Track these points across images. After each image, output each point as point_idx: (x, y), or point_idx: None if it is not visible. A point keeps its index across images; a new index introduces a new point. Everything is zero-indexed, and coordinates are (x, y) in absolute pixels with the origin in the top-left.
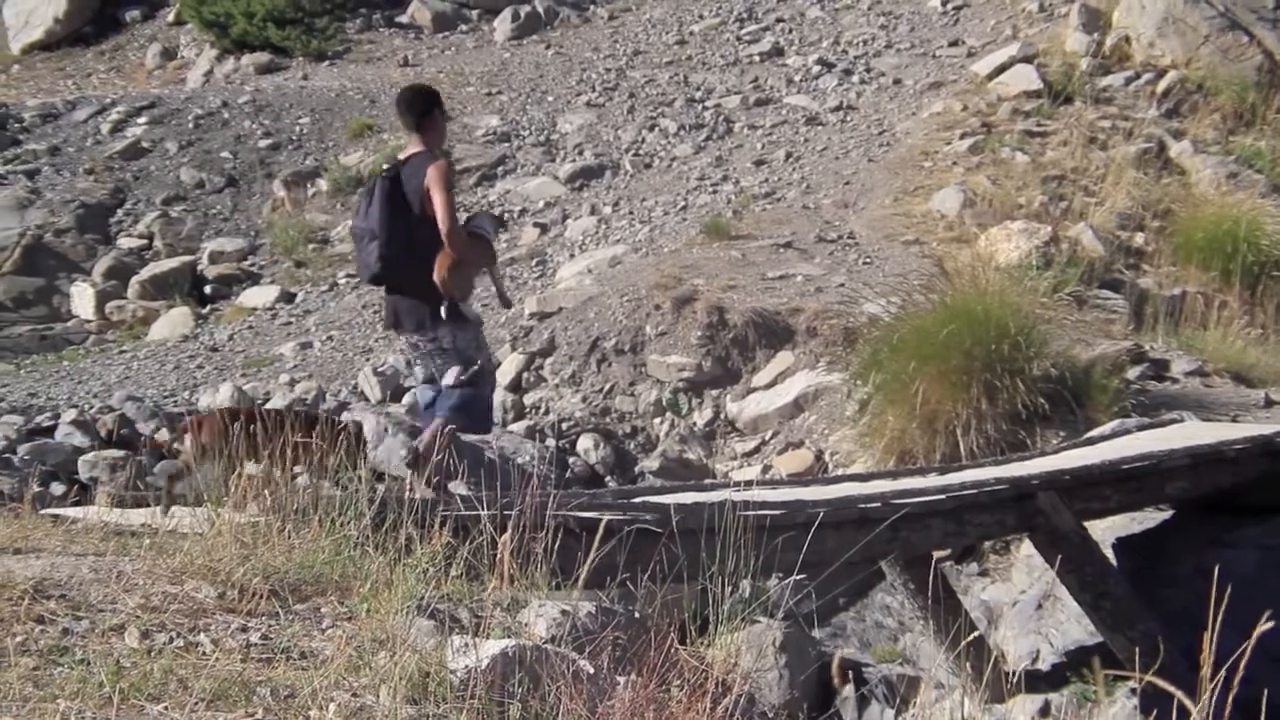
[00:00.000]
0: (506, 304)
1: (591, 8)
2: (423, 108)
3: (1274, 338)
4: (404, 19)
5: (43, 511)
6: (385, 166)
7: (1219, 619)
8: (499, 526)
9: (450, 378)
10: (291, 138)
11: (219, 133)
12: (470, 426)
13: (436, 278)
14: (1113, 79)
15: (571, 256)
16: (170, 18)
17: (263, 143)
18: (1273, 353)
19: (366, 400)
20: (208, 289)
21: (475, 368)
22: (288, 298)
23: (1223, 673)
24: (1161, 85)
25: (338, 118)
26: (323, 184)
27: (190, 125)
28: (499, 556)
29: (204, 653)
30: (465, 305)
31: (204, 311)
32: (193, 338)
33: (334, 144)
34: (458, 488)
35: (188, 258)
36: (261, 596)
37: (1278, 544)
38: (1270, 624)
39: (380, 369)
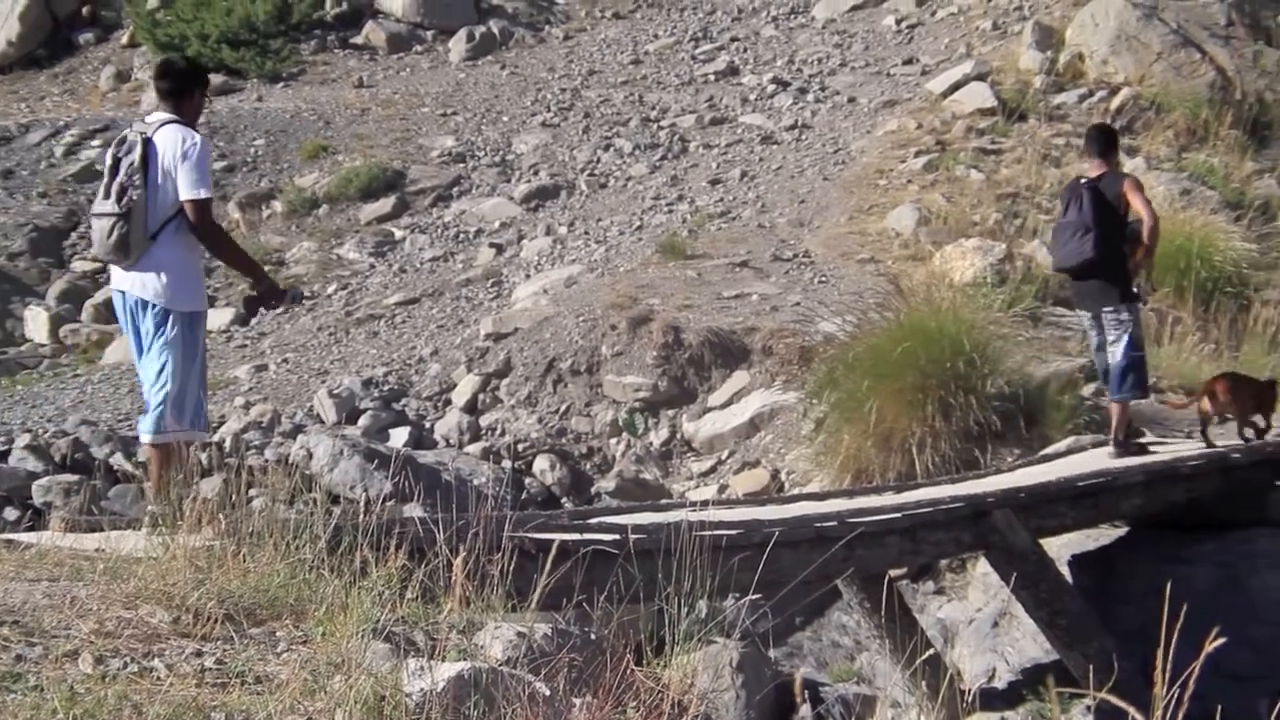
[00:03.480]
0: None
1: (546, 28)
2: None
3: (1227, 354)
4: (359, 40)
5: None
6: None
7: (1174, 636)
8: (455, 548)
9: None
10: (246, 159)
11: None
12: None
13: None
14: (1066, 96)
15: (527, 277)
16: (124, 40)
17: (217, 165)
18: (1227, 368)
19: (322, 423)
20: None
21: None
22: (242, 320)
23: (1175, 689)
24: (1115, 102)
25: (292, 139)
26: (278, 205)
27: None
28: (454, 578)
29: (158, 678)
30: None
31: None
32: None
33: (289, 165)
34: (414, 509)
35: None
36: (216, 621)
37: (1233, 560)
38: (1221, 640)
39: (336, 391)
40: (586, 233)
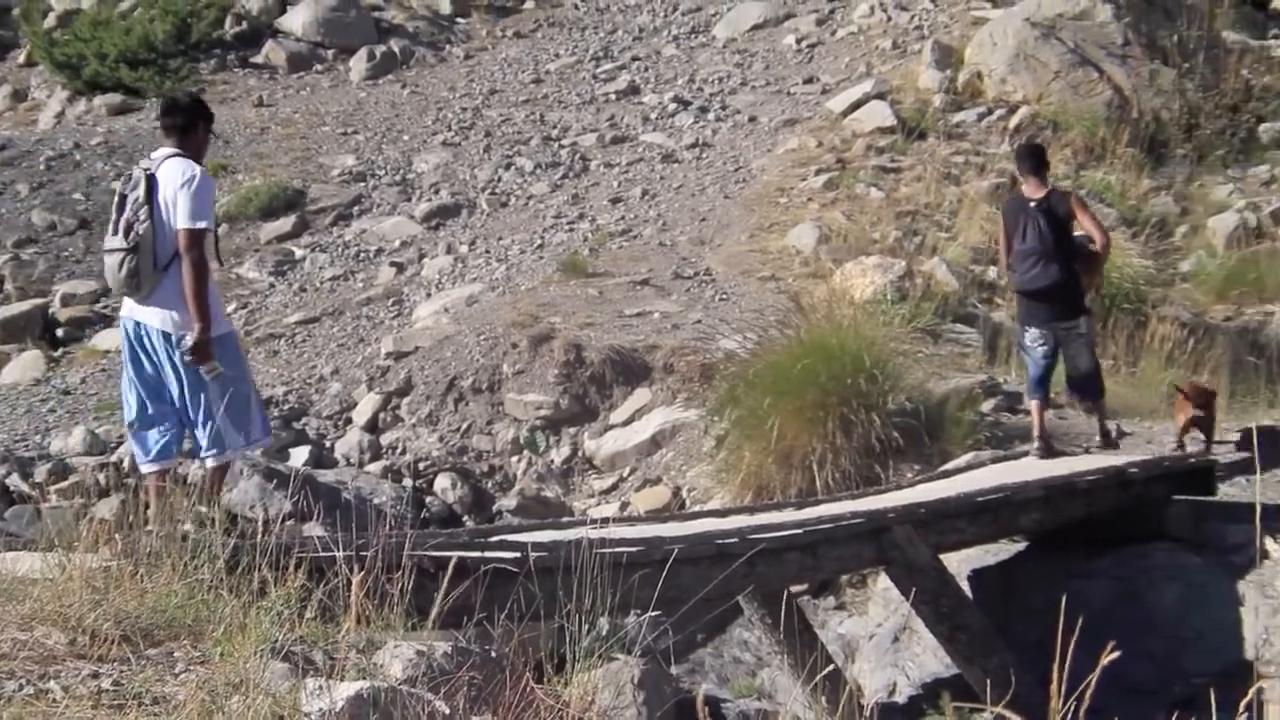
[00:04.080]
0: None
1: (447, 47)
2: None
3: (1125, 370)
4: (258, 59)
5: None
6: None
7: (1069, 650)
8: (354, 567)
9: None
10: None
11: (71, 174)
12: None
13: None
14: (965, 115)
15: (428, 296)
16: (21, 59)
17: (116, 184)
18: (1124, 384)
19: None
20: (60, 332)
21: None
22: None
23: (1072, 702)
24: (1013, 121)
25: None
26: None
27: (42, 167)
28: (353, 597)
29: (54, 700)
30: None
31: (56, 355)
32: (44, 381)
33: None
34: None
35: (39, 300)
36: (113, 642)
37: (1130, 574)
38: (1117, 654)
39: None
40: (488, 251)
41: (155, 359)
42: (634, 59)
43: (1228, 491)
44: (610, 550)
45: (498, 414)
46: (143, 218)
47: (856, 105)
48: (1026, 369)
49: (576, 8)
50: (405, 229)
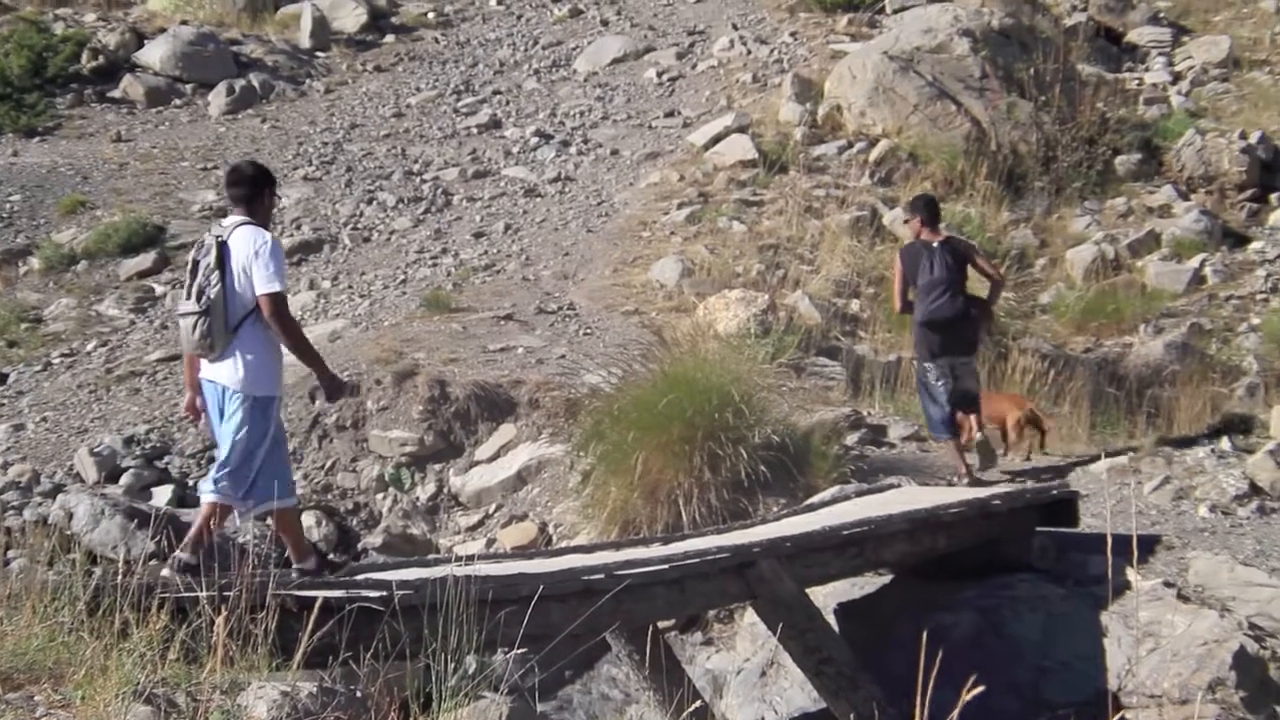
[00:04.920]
0: None
1: (307, 81)
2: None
3: None
4: (116, 94)
5: None
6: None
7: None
8: (218, 607)
9: None
10: (1, 215)
11: None
12: None
13: None
14: (826, 148)
15: None
16: None
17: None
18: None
19: (82, 482)
20: None
21: None
22: (0, 378)
23: None
24: (873, 154)
25: (49, 194)
26: (35, 262)
27: None
28: (216, 638)
29: None
30: None
31: None
32: None
33: (46, 221)
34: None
35: None
36: None
37: (994, 605)
38: (980, 689)
39: (96, 449)
40: (350, 287)
41: (226, 413)
42: (495, 93)
43: (1090, 523)
44: (476, 587)
45: (362, 451)
46: (214, 282)
47: (718, 139)
48: (927, 410)
49: (437, 41)
50: None
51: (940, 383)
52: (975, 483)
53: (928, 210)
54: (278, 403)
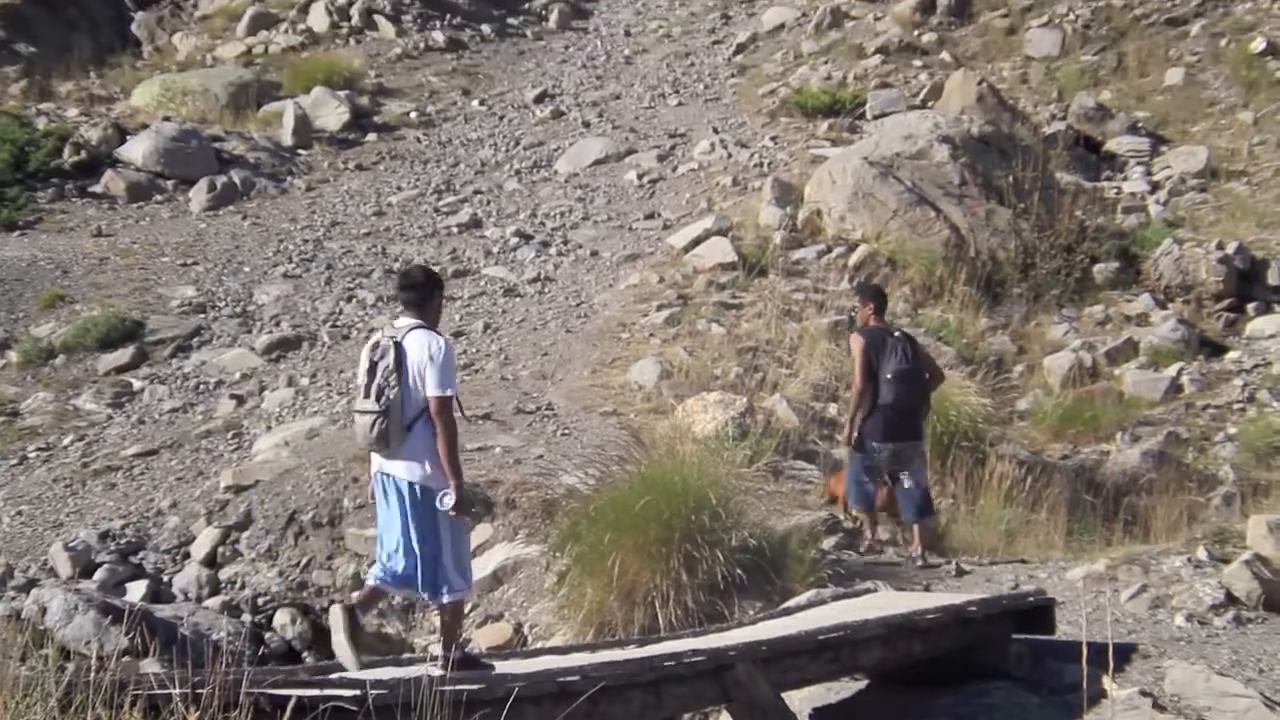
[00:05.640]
0: None
1: (289, 179)
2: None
3: (965, 507)
4: (97, 189)
5: None
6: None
7: None
8: (191, 705)
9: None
10: None
11: None
12: None
13: None
14: (805, 252)
15: (269, 429)
16: None
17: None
18: (964, 522)
19: (56, 577)
20: None
21: None
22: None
23: None
24: (853, 258)
25: (29, 288)
26: (13, 355)
27: None
28: None
29: None
30: None
31: None
32: None
33: (24, 315)
34: (150, 665)
35: None
36: None
37: (971, 713)
38: None
39: (71, 544)
40: (329, 384)
41: (401, 505)
42: (476, 192)
43: (1066, 630)
44: (451, 688)
45: (338, 548)
46: (392, 384)
47: (698, 241)
48: (859, 484)
49: (419, 140)
50: (245, 361)
51: (885, 461)
52: (875, 549)
53: (878, 300)
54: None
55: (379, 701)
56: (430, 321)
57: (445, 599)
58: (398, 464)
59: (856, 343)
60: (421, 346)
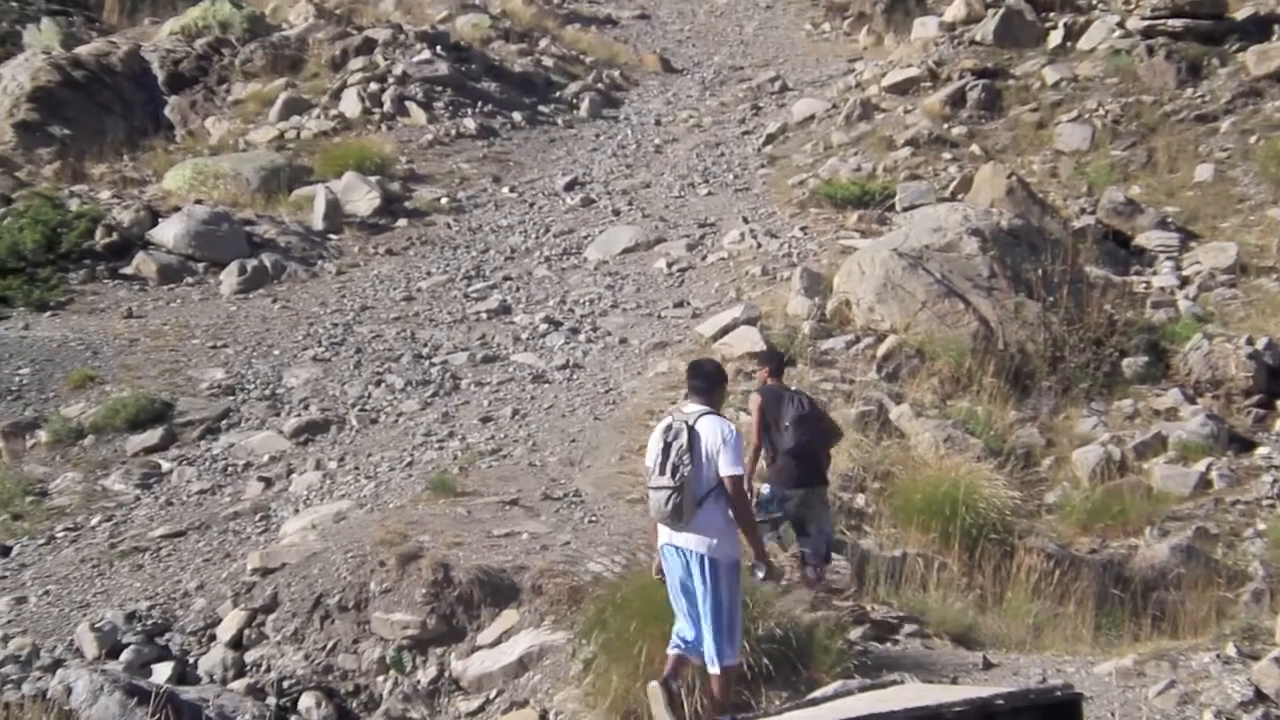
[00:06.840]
0: None
1: (319, 263)
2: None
3: (992, 599)
4: (129, 270)
5: None
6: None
7: None
8: None
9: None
10: (10, 388)
11: None
12: None
13: None
14: (834, 342)
15: (296, 512)
16: None
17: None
18: (991, 614)
19: (82, 657)
20: None
21: None
22: (3, 551)
23: None
24: (881, 349)
25: (59, 368)
26: (42, 435)
27: None
28: None
29: None
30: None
31: None
32: None
33: (55, 394)
34: None
35: None
36: None
37: None
38: None
39: (97, 625)
40: (357, 468)
41: (687, 575)
42: (506, 279)
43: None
44: None
45: (364, 632)
46: (686, 462)
47: (726, 330)
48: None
49: (449, 226)
50: (274, 444)
51: (793, 506)
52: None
53: (774, 361)
54: (739, 566)
55: None
56: (716, 407)
57: (716, 668)
58: (688, 536)
59: (754, 401)
60: (714, 430)
